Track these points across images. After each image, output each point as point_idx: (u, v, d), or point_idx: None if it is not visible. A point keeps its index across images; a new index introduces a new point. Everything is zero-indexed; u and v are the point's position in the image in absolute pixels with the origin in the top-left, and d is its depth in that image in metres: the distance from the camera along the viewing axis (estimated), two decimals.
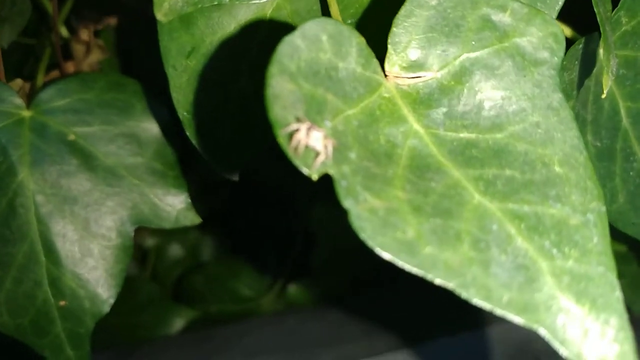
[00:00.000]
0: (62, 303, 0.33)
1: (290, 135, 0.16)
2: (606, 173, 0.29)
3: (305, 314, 0.57)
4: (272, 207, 0.62)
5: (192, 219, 0.34)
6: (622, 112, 0.30)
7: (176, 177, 0.34)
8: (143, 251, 0.62)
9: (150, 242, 0.63)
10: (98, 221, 0.33)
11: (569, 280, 0.16)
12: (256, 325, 0.57)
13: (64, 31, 0.41)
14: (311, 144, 0.15)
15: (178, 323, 0.58)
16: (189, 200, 0.34)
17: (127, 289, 0.34)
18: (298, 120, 0.16)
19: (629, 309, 0.48)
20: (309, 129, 0.16)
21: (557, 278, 0.16)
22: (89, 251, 0.33)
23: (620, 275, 0.49)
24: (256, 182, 0.58)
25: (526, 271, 0.15)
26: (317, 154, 0.16)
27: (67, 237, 0.33)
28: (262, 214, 0.62)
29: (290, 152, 0.15)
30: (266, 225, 0.63)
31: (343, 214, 0.15)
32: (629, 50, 0.30)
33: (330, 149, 0.16)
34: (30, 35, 0.43)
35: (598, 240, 0.16)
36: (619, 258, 0.48)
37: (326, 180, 0.16)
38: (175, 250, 0.63)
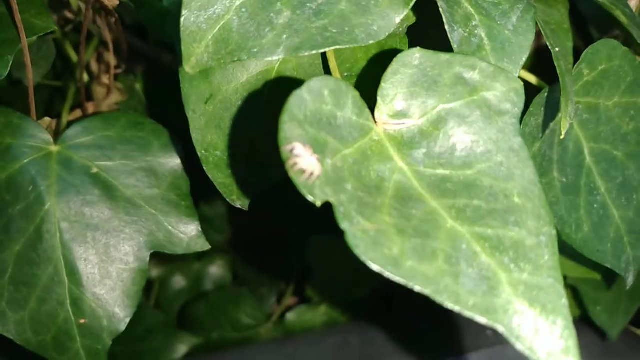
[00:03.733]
0: (82, 321, 0.35)
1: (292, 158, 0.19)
2: (571, 205, 0.33)
3: (301, 341, 0.59)
4: (270, 241, 0.64)
5: (202, 245, 0.36)
6: (586, 151, 0.34)
7: (188, 207, 0.36)
8: (148, 281, 0.64)
9: (155, 272, 0.64)
10: (117, 247, 0.35)
11: (523, 289, 0.19)
12: (255, 352, 0.59)
13: (85, 75, 0.45)
14: (306, 163, 0.19)
15: (181, 349, 0.60)
16: (200, 229, 0.36)
17: (133, 317, 0.35)
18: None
19: (606, 334, 0.50)
20: (305, 150, 0.19)
21: (514, 287, 0.19)
22: (108, 274, 0.35)
23: (596, 303, 0.52)
24: (256, 218, 0.61)
25: (488, 281, 0.19)
26: (311, 173, 0.19)
27: (88, 261, 0.35)
28: (262, 248, 0.65)
29: (298, 183, 0.19)
30: (265, 258, 0.65)
31: (340, 234, 0.19)
32: (590, 97, 0.34)
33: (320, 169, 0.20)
34: (56, 77, 0.46)
35: (549, 257, 0.20)
36: (594, 286, 0.51)
37: (321, 217, 0.20)
38: (179, 280, 0.65)
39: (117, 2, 0.41)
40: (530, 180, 0.21)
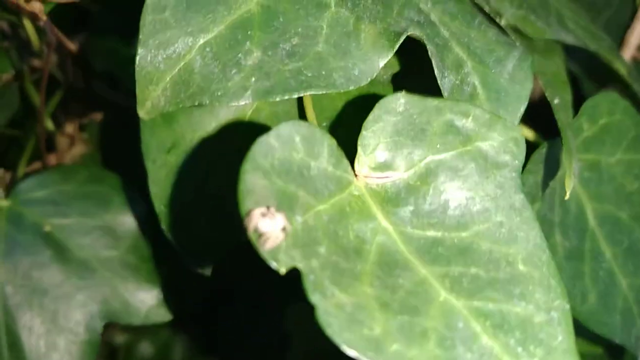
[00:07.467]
0: None
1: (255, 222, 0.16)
2: (575, 273, 0.30)
3: None
4: (245, 307, 0.61)
5: (163, 315, 0.34)
6: (589, 213, 0.31)
7: (149, 271, 0.34)
8: (112, 348, 0.60)
9: (120, 339, 0.61)
10: (67, 315, 0.32)
11: None
12: None
13: (49, 124, 0.42)
14: (270, 224, 0.16)
15: None
16: (161, 296, 0.33)
17: None
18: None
19: None
20: (268, 211, 0.16)
21: None
22: (54, 346, 0.32)
23: None
24: (229, 282, 0.58)
25: None
26: (275, 235, 0.16)
27: (33, 330, 0.32)
28: (236, 314, 0.61)
29: (259, 247, 0.16)
30: (240, 326, 0.62)
31: (310, 309, 0.15)
32: (592, 154, 0.31)
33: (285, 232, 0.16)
34: (16, 126, 0.44)
35: (563, 338, 0.17)
36: None
37: (299, 280, 0.16)
38: (145, 348, 0.61)
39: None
40: (536, 244, 0.18)
